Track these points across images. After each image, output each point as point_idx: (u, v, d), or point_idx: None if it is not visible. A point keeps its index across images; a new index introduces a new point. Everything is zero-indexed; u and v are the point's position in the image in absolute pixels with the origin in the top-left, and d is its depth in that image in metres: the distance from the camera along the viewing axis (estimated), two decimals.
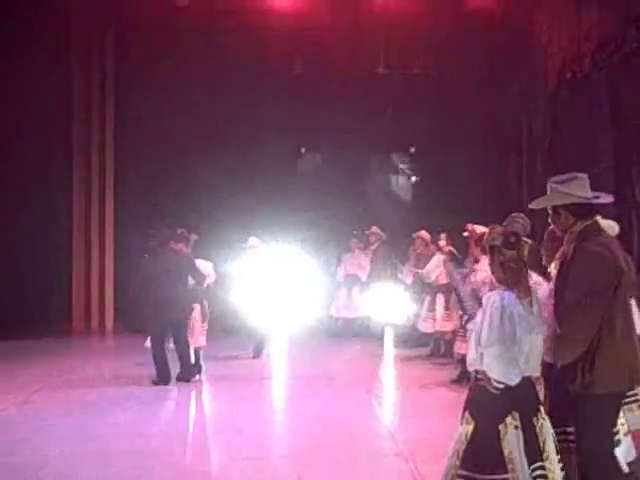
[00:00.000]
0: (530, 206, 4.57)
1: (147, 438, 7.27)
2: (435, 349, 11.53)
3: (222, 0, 14.66)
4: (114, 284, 15.16)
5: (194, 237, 10.21)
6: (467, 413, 4.17)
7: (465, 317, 4.78)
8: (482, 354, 4.06)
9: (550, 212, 4.44)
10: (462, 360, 9.93)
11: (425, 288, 11.70)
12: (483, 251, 10.00)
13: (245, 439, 7.05)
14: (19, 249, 14.13)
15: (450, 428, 6.92)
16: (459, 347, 9.61)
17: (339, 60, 16.20)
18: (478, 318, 4.17)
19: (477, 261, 10.24)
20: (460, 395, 8.38)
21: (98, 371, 10.40)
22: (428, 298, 11.46)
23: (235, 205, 15.30)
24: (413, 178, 18.00)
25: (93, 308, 15.18)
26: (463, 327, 4.86)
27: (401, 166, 18.25)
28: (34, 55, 13.55)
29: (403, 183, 18.14)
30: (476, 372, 4.16)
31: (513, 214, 5.94)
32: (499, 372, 4.01)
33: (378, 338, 13.19)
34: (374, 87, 16.28)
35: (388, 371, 11.37)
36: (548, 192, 4.46)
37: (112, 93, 15.33)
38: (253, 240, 11.71)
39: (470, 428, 4.10)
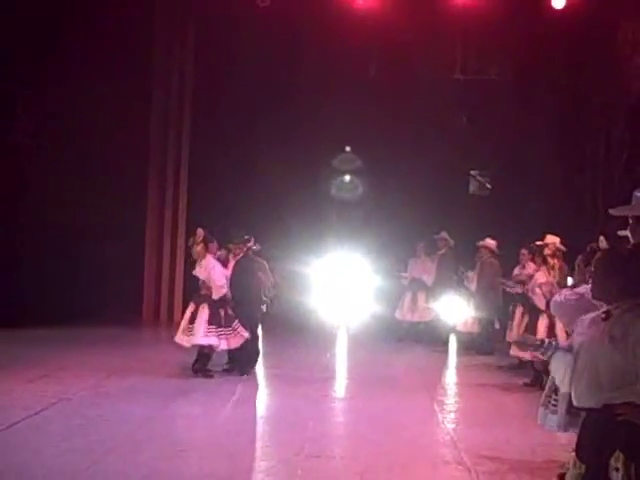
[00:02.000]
0: (611, 212, 4.42)
1: (209, 431, 7.41)
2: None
3: (301, 4, 14.71)
4: (184, 278, 15.42)
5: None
6: (620, 457, 3.49)
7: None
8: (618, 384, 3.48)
9: (630, 222, 4.30)
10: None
11: (515, 298, 11.31)
12: (543, 262, 9.99)
13: (307, 437, 7.11)
14: (95, 242, 14.53)
15: (514, 438, 6.97)
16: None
17: (415, 64, 16.18)
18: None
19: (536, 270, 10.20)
20: (525, 406, 8.37)
21: (164, 361, 10.59)
22: (520, 308, 10.70)
23: (304, 209, 15.44)
24: (486, 185, 17.85)
25: (162, 301, 15.49)
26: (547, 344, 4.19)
27: (473, 173, 18.11)
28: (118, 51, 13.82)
29: (475, 190, 18.00)
30: (605, 407, 3.51)
31: None
32: None
33: (442, 344, 13.14)
34: (450, 92, 16.19)
35: (451, 378, 11.32)
36: (633, 202, 4.33)
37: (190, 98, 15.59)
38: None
39: (632, 473, 3.49)
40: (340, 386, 10.30)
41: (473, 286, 12.69)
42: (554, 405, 3.92)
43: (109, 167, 14.44)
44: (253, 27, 14.73)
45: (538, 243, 10.41)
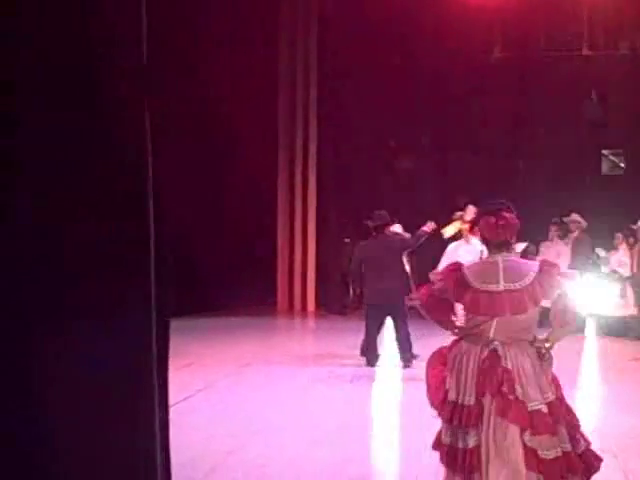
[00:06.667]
0: None
1: (350, 417, 7.40)
2: None
3: None
4: (316, 267, 15.59)
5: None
6: None
7: None
8: None
9: None
10: None
11: None
12: None
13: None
14: (229, 232, 14.87)
15: None
16: None
17: (540, 42, 15.80)
18: None
19: None
20: None
21: (301, 349, 10.77)
22: None
23: (431, 194, 15.40)
24: (620, 164, 17.23)
25: (296, 290, 15.69)
26: None
27: (605, 152, 17.51)
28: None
29: (607, 170, 17.40)
30: None
31: None
32: None
33: (580, 329, 12.78)
34: (578, 69, 15.72)
35: (592, 364, 10.99)
36: None
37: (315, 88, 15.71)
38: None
39: None
40: None
41: (626, 268, 12.41)
42: None
43: (238, 157, 14.72)
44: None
45: None
